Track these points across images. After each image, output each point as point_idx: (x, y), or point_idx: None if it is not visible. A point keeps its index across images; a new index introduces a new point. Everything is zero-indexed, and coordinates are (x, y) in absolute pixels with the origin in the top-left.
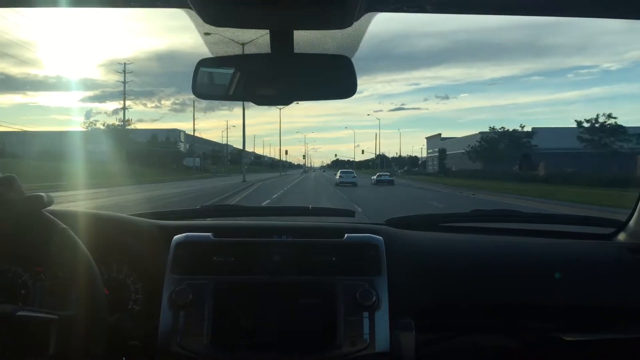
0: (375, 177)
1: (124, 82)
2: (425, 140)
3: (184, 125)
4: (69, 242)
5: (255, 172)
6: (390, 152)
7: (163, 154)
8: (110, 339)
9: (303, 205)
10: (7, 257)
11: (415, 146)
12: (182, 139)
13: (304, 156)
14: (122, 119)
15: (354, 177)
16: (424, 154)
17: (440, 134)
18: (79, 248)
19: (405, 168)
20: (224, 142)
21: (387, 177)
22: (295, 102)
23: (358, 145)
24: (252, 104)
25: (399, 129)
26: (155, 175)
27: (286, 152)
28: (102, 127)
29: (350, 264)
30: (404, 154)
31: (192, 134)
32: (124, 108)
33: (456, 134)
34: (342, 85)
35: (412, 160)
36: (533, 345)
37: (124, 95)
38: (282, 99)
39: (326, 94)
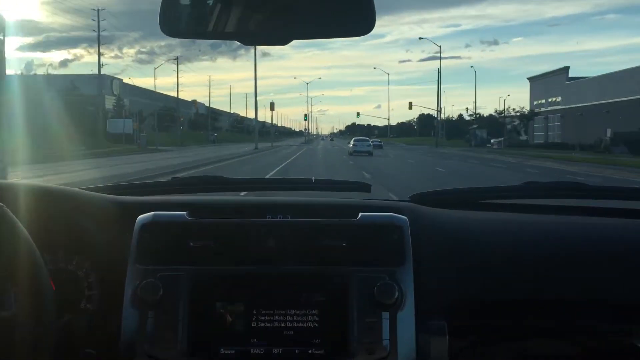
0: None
1: None
2: (529, 83)
3: (160, 81)
4: (5, 223)
5: (222, 144)
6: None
7: (50, 112)
8: (59, 346)
9: (304, 178)
10: None
11: (455, 105)
12: (117, 91)
13: (305, 116)
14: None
15: (369, 145)
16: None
17: (567, 68)
18: (17, 231)
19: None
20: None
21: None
22: (293, 43)
23: (379, 106)
24: (242, 45)
25: (472, 67)
26: None
27: (272, 108)
28: None
29: (365, 251)
30: (449, 115)
31: (118, 79)
32: None
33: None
34: (356, 19)
35: (486, 121)
36: (598, 352)
37: None
38: (278, 36)
39: (335, 30)
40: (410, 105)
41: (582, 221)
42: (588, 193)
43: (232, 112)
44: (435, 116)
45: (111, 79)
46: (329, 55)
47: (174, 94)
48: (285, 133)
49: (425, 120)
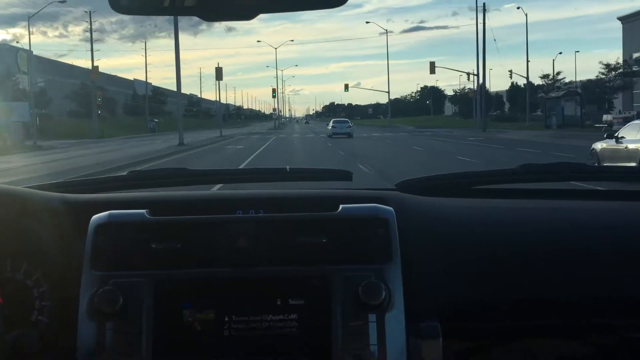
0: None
1: None
2: (621, 26)
3: (110, 62)
4: None
5: (163, 133)
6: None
7: None
8: None
9: (278, 167)
10: None
11: (446, 80)
12: (24, 66)
13: (274, 92)
14: None
15: (349, 127)
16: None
17: None
18: None
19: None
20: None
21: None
22: (261, 15)
23: (359, 84)
24: (199, 20)
25: (518, 7)
26: None
27: (218, 75)
28: None
29: (348, 248)
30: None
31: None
32: None
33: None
34: None
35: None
36: (608, 349)
37: None
38: (241, 10)
39: (305, 2)
40: (433, 68)
41: (587, 206)
42: (590, 175)
43: (189, 93)
44: (434, 89)
45: (15, 50)
46: (302, 29)
47: (124, 75)
48: (253, 117)
49: (426, 95)
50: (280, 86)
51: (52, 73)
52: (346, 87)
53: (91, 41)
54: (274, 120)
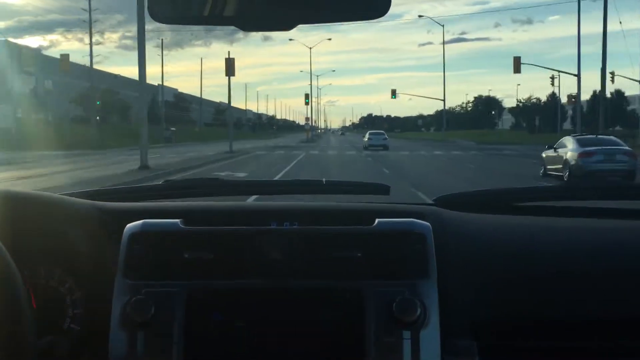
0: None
1: None
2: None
3: (151, 70)
4: None
5: (181, 143)
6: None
7: None
8: None
9: (313, 179)
10: None
11: (492, 91)
12: (27, 64)
13: (307, 99)
14: None
15: (385, 139)
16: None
17: None
18: None
19: None
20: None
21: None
22: (298, 26)
23: (398, 95)
24: (236, 29)
25: None
26: None
27: (229, 70)
28: None
29: (383, 262)
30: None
31: None
32: None
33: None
34: None
35: None
36: None
37: None
38: (281, 20)
39: (345, 13)
40: (518, 66)
41: (631, 226)
42: (634, 193)
43: (218, 102)
44: (491, 99)
45: (18, 48)
46: (339, 39)
47: (177, 85)
48: (287, 127)
49: (481, 105)
50: (315, 93)
51: (65, 75)
52: (393, 92)
53: (90, 31)
54: (307, 131)
